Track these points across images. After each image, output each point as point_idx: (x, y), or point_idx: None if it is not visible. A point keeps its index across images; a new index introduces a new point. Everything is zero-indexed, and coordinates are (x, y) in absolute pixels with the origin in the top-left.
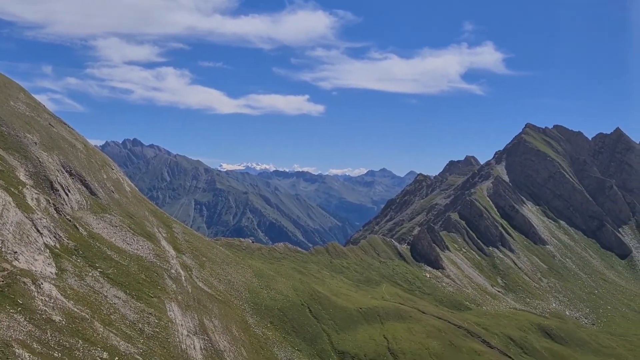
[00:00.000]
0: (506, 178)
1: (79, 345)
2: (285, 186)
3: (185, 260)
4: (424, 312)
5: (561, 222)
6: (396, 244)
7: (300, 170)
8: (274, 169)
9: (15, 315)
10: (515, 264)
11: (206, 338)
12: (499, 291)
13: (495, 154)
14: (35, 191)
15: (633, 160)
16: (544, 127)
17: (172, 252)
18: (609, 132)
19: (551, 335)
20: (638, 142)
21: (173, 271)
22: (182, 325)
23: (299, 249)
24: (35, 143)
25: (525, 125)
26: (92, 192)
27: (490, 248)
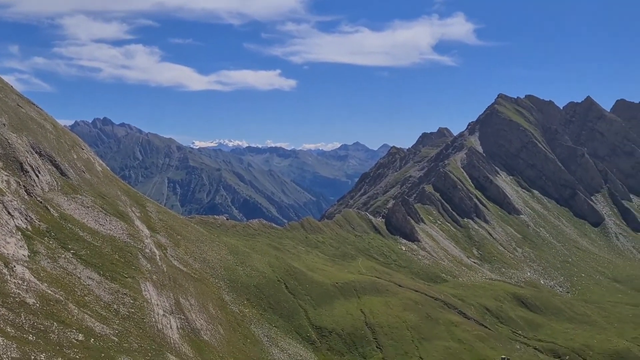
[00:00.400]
0: (480, 149)
1: (53, 327)
2: (259, 162)
3: (159, 239)
4: (400, 285)
5: (534, 191)
6: (371, 217)
7: (273, 145)
8: (247, 145)
9: None
10: (490, 235)
11: (182, 317)
12: (474, 262)
13: (468, 125)
14: (5, 173)
15: (604, 128)
16: (516, 97)
17: (146, 232)
18: (579, 101)
19: (526, 304)
20: (609, 110)
21: (147, 250)
22: (157, 304)
23: (273, 225)
24: (4, 124)
25: (498, 95)
26: (62, 173)
27: (465, 219)
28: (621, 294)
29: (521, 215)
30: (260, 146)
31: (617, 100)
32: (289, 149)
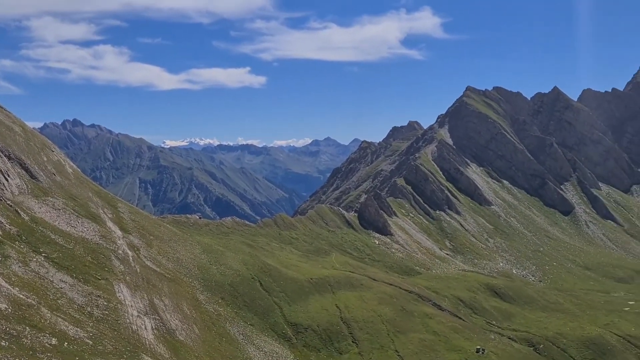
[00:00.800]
0: (450, 141)
1: (26, 332)
2: (230, 160)
3: (132, 240)
4: (374, 280)
5: (505, 182)
6: (344, 212)
7: (244, 143)
8: (218, 143)
9: None
10: (462, 226)
11: (157, 318)
12: (447, 254)
13: (438, 118)
14: None
15: (572, 118)
16: (484, 89)
17: (119, 233)
18: (547, 92)
19: (499, 295)
20: (576, 100)
21: (120, 252)
22: (131, 306)
23: (247, 222)
24: None
25: (466, 88)
26: (32, 176)
27: (438, 212)
28: (592, 282)
29: (492, 206)
30: (231, 144)
31: (583, 90)
32: (260, 146)
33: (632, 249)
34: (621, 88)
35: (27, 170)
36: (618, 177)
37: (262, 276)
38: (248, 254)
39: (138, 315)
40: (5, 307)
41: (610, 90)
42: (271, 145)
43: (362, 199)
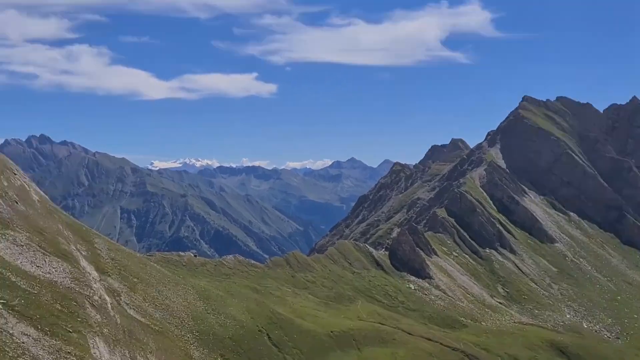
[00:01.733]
0: (502, 163)
1: None
2: (233, 185)
3: (111, 283)
4: (409, 333)
5: (571, 214)
6: (372, 250)
7: (250, 165)
8: (218, 164)
9: None
10: (519, 268)
11: None
12: (500, 302)
13: (487, 135)
14: None
15: None
16: (545, 100)
17: (95, 274)
18: (623, 103)
19: (567, 354)
20: None
21: (96, 298)
22: None
23: (252, 261)
24: None
25: (522, 98)
26: None
27: (487, 250)
28: None
29: (556, 244)
30: (234, 166)
31: None
32: (269, 168)
33: None
34: None
35: None
36: None
37: (271, 328)
38: (254, 300)
39: None
40: None
41: None
42: (283, 167)
43: (394, 234)
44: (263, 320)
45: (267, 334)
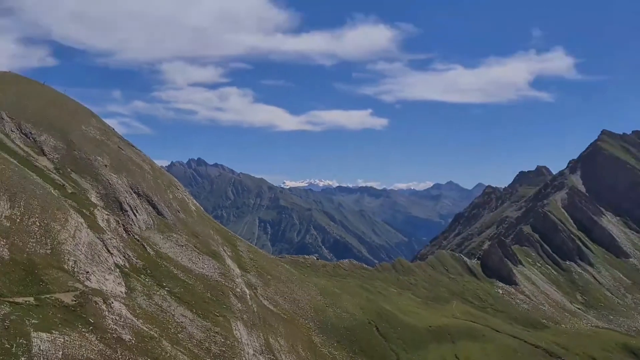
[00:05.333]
0: (582, 188)
1: None
2: (349, 202)
3: (250, 279)
4: (497, 331)
5: None
6: (466, 259)
7: (364, 185)
8: (337, 184)
9: (86, 335)
10: (596, 279)
11: (272, 357)
12: (578, 308)
13: (569, 163)
14: (106, 212)
15: None
16: (622, 133)
17: (237, 271)
18: None
19: (638, 356)
20: None
21: (238, 290)
22: (248, 344)
23: (364, 265)
24: (105, 165)
25: (601, 131)
26: (159, 212)
27: (567, 262)
28: None
29: (630, 259)
30: (350, 186)
31: None
32: (379, 188)
33: None
34: None
35: (154, 206)
36: None
37: (379, 321)
38: (365, 297)
39: (254, 354)
40: (129, 339)
41: None
42: (391, 188)
43: (485, 246)
44: (372, 314)
45: (376, 326)
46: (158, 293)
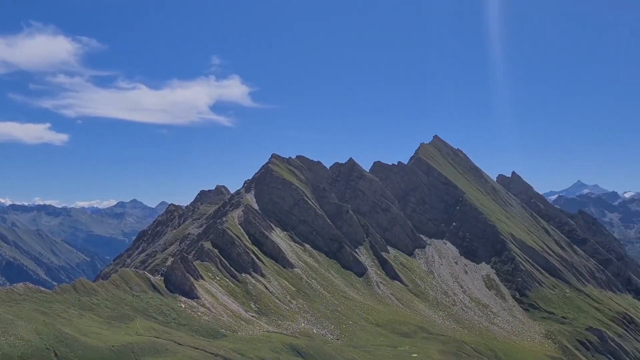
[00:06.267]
0: (256, 206)
1: None
2: (25, 221)
3: None
4: (180, 344)
5: (306, 245)
6: (149, 275)
7: (42, 203)
8: (11, 202)
9: None
10: (267, 289)
11: None
12: (252, 316)
13: (244, 183)
14: None
15: (364, 187)
16: (288, 157)
17: None
18: (344, 162)
19: (301, 354)
20: (368, 171)
21: None
22: None
23: (42, 288)
24: None
25: (272, 155)
26: None
27: (243, 274)
28: (382, 337)
29: (295, 269)
30: (26, 204)
31: (374, 162)
32: (59, 206)
33: (415, 306)
34: (405, 161)
35: None
36: (403, 242)
37: (57, 346)
38: (42, 322)
39: None
40: None
41: (396, 164)
42: (72, 206)
43: (168, 262)
44: (50, 339)
45: (54, 351)
46: None
